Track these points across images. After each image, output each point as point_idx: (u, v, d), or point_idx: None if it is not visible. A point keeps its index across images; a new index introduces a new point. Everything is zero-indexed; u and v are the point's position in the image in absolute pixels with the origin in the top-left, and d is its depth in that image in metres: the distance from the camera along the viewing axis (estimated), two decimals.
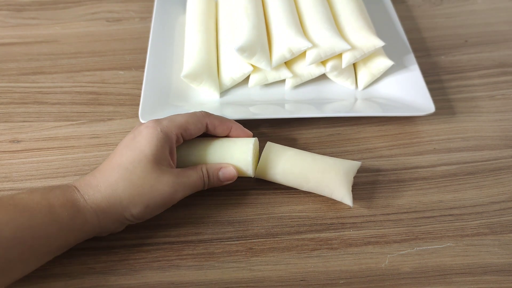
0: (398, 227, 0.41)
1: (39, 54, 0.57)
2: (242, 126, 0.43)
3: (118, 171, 0.35)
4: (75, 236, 0.35)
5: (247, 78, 0.51)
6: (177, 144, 0.39)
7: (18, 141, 0.47)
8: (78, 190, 0.35)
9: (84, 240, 0.37)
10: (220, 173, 0.40)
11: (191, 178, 0.38)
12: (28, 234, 0.32)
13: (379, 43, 0.49)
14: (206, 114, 0.41)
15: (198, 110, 0.42)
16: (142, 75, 0.50)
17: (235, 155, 0.40)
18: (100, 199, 0.35)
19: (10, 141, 0.47)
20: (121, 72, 0.55)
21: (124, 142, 0.38)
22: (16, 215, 0.32)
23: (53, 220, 0.33)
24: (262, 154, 0.42)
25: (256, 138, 0.42)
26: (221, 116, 0.42)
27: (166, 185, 0.36)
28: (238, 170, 0.41)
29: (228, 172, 0.40)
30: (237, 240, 0.40)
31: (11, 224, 0.31)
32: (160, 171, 0.36)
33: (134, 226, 0.40)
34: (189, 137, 0.40)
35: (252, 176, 0.42)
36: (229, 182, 0.41)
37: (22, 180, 0.44)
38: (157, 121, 0.39)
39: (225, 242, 0.40)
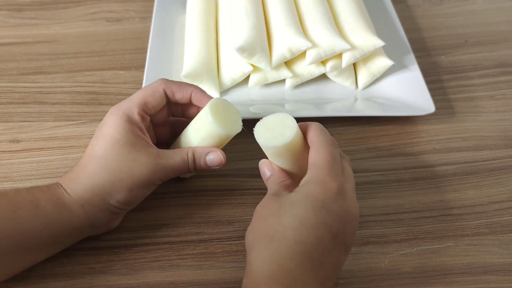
0: (398, 227, 0.41)
1: (39, 54, 0.57)
2: (203, 90, 0.40)
3: (94, 160, 0.35)
4: (63, 230, 0.35)
5: (247, 78, 0.51)
6: (145, 122, 0.38)
7: (18, 141, 0.47)
8: (61, 186, 0.35)
9: (83, 239, 0.37)
10: (207, 158, 0.38)
11: (172, 161, 0.37)
12: (11, 226, 0.32)
13: (379, 43, 0.49)
14: (162, 81, 0.39)
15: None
16: (142, 75, 0.50)
17: (197, 124, 0.38)
18: (82, 191, 0.35)
19: (10, 141, 0.47)
20: (121, 72, 0.55)
21: (94, 135, 0.37)
22: (0, 208, 0.32)
23: (38, 213, 0.33)
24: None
25: (215, 98, 0.39)
26: (180, 82, 0.40)
27: (144, 166, 0.35)
28: (215, 140, 0.38)
29: (215, 157, 0.38)
30: (237, 240, 0.40)
31: None
32: (136, 153, 0.35)
33: (134, 226, 0.40)
34: (154, 111, 0.39)
35: (239, 131, 0.38)
36: (217, 167, 0.39)
37: (22, 180, 0.44)
38: (118, 105, 0.38)
39: (225, 242, 0.40)
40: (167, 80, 0.39)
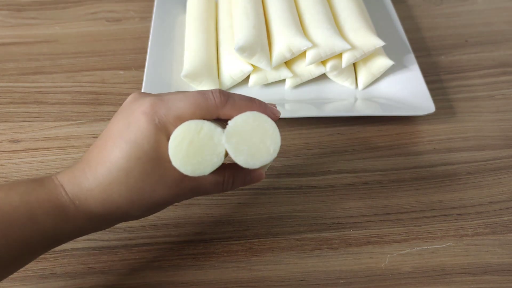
0: (398, 227, 0.41)
1: (39, 54, 0.57)
2: (265, 105, 0.32)
3: (112, 171, 0.29)
4: (63, 239, 0.31)
5: (247, 78, 0.51)
6: None
7: (18, 141, 0.47)
8: (67, 193, 0.29)
9: (84, 239, 0.36)
10: (248, 178, 0.33)
11: (204, 182, 0.32)
12: (4, 243, 0.28)
13: (379, 42, 0.49)
14: (221, 103, 0.31)
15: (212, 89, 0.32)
16: (142, 75, 0.50)
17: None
18: (93, 205, 0.29)
19: (10, 141, 0.47)
20: (121, 72, 0.55)
21: (117, 127, 0.30)
22: None
23: (35, 228, 0.29)
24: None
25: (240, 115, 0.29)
26: (242, 102, 0.32)
27: (168, 188, 0.30)
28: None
29: (258, 176, 0.33)
30: (237, 240, 0.40)
31: None
32: (162, 170, 0.30)
33: (134, 226, 0.40)
34: None
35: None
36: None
37: None
38: (153, 106, 0.30)
39: (225, 242, 0.40)
40: (227, 101, 0.31)
